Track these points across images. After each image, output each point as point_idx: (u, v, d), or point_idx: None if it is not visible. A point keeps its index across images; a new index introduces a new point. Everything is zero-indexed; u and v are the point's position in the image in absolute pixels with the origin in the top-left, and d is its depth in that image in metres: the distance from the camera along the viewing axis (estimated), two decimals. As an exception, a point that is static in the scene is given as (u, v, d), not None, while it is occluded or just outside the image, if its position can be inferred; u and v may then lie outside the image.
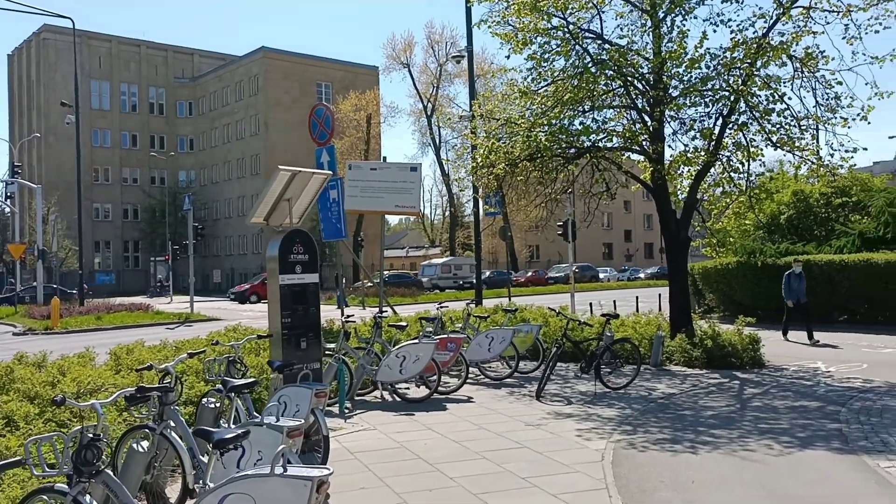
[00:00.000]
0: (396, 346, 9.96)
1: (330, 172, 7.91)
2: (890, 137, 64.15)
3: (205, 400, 6.47)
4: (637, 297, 26.94)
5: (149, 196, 74.35)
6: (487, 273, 53.38)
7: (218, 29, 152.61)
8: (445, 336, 10.68)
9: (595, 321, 14.50)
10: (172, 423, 5.19)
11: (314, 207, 8.97)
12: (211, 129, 75.65)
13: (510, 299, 19.54)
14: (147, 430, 5.20)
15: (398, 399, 10.13)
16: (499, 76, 13.59)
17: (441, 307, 12.60)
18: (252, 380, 5.94)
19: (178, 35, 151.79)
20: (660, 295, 28.58)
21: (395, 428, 8.51)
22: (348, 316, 10.19)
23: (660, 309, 26.28)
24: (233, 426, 5.37)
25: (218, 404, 6.38)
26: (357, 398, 10.37)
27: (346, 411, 9.42)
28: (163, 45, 77.97)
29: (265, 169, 66.65)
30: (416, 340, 9.93)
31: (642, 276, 62.93)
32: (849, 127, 11.85)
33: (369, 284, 40.12)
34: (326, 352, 9.86)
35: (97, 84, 72.66)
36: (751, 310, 21.48)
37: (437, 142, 61.97)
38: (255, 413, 6.56)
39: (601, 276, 60.05)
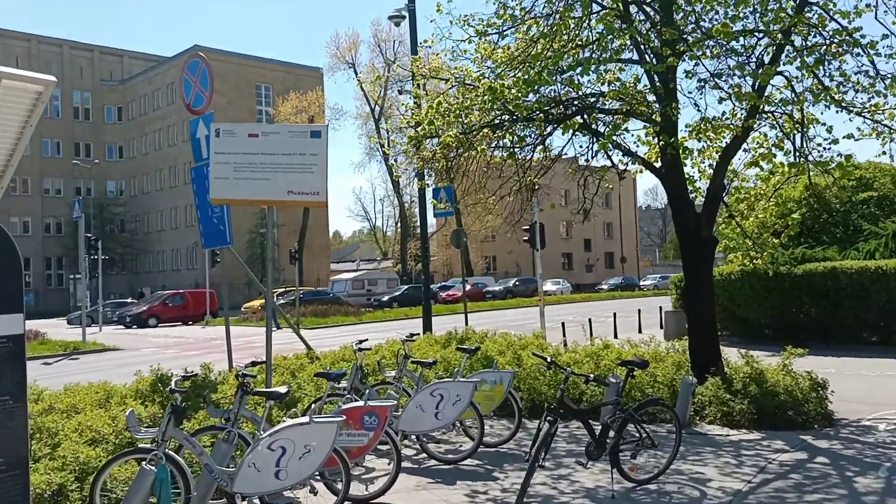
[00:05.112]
0: (272, 430, 5.63)
1: (53, 79, 3.65)
2: None
3: None
4: (615, 314, 22.98)
5: (73, 208, 68.30)
6: (405, 288, 48.54)
7: (151, 30, 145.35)
8: (360, 405, 6.36)
9: (588, 349, 10.45)
10: None
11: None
12: (141, 136, 70.05)
13: (467, 324, 15.29)
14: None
15: (276, 521, 5.82)
16: (445, 10, 9.36)
17: (360, 348, 8.25)
18: None
19: (106, 36, 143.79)
20: (639, 311, 24.78)
21: None
22: (187, 375, 5.86)
23: (639, 329, 22.50)
24: None
25: None
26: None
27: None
28: (88, 46, 72.11)
29: (199, 177, 61.44)
30: (306, 419, 5.61)
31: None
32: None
33: (282, 301, 35.35)
34: (144, 444, 5.54)
35: (14, 87, 66.48)
36: (757, 328, 17.85)
37: (387, 145, 57.71)
38: None
39: (553, 288, 54.99)
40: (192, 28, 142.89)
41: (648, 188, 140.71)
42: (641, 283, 64.23)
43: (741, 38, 8.98)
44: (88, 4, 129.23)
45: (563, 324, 20.07)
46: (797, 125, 9.20)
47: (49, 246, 67.94)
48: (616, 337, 19.61)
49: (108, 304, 43.79)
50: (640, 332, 21.77)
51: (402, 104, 13.65)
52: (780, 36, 8.81)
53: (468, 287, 42.93)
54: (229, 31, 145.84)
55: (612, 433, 6.34)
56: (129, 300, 50.51)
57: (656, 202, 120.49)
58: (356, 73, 59.93)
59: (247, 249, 57.60)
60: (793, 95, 9.22)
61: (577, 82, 8.78)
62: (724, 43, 8.75)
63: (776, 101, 9.41)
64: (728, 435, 8.30)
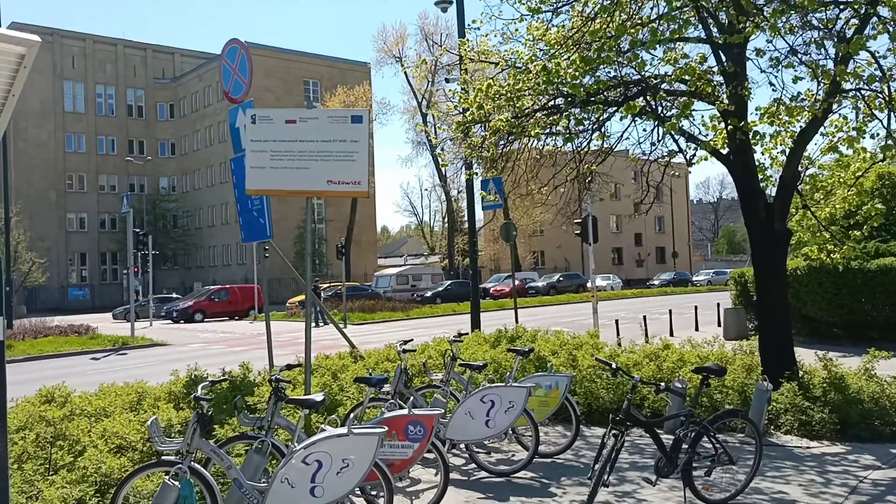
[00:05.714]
0: (306, 442, 5.12)
1: (37, 39, 3.17)
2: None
3: None
4: (670, 311, 22.02)
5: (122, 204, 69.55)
6: (447, 283, 47.96)
7: (201, 28, 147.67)
8: (403, 413, 5.81)
9: (647, 349, 9.74)
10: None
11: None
12: (193, 132, 70.85)
13: (517, 321, 14.64)
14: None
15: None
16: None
17: (404, 349, 7.71)
18: None
19: (158, 34, 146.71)
20: (696, 308, 23.77)
21: None
22: (216, 380, 5.38)
23: (696, 327, 21.50)
24: None
25: None
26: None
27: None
28: (141, 44, 73.22)
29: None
30: (344, 429, 5.08)
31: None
32: None
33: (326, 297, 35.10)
34: (170, 454, 5.07)
35: (70, 85, 67.75)
36: (825, 327, 16.82)
37: (433, 134, 57.16)
38: None
39: (603, 283, 53.22)
40: (241, 25, 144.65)
41: (700, 181, 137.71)
42: (694, 278, 62.53)
43: (820, 11, 8.17)
44: (140, 5, 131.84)
45: (616, 321, 19.26)
46: (887, 103, 8.33)
47: (104, 241, 69.25)
48: (672, 335, 18.72)
49: (155, 300, 44.35)
50: (696, 329, 20.82)
51: (450, 91, 13.07)
52: (864, 7, 7.98)
53: (518, 282, 42.21)
54: (277, 27, 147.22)
55: (684, 446, 5.67)
56: (173, 295, 51.08)
57: (708, 196, 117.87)
58: (403, 67, 59.51)
59: (295, 244, 57.70)
60: (878, 72, 8.37)
61: (641, 60, 8.06)
62: (805, 14, 7.94)
63: (861, 78, 8.55)
64: (808, 447, 7.53)
